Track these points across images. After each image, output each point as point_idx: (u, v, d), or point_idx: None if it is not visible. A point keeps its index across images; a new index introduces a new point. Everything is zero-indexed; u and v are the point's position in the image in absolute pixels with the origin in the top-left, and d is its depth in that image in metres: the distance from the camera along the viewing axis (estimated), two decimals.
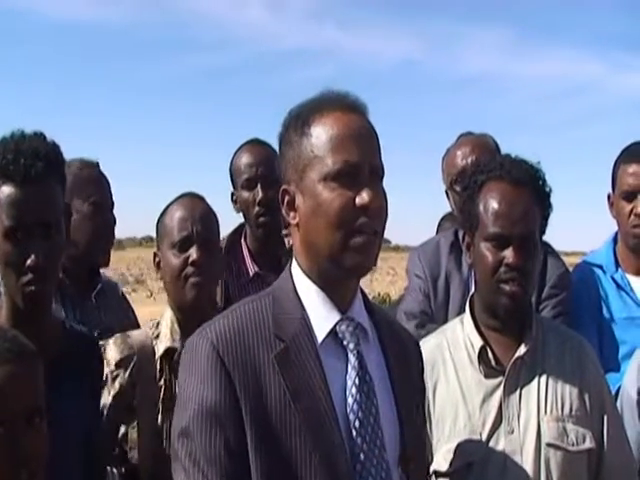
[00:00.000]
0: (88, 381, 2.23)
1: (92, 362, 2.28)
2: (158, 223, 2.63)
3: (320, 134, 1.69)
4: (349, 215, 1.65)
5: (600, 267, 3.28)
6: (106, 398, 2.46)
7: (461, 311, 2.99)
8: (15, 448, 1.61)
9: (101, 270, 3.30)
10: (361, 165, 1.67)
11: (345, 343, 1.72)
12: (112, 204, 3.22)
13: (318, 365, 1.66)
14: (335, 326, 1.72)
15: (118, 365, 2.48)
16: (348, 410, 1.67)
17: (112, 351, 2.50)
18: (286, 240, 3.40)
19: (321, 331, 1.70)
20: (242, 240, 3.43)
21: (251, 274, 3.35)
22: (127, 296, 3.54)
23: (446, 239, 3.35)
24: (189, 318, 2.45)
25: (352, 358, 1.71)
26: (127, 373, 2.48)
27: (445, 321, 2.99)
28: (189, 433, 1.62)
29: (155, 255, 2.63)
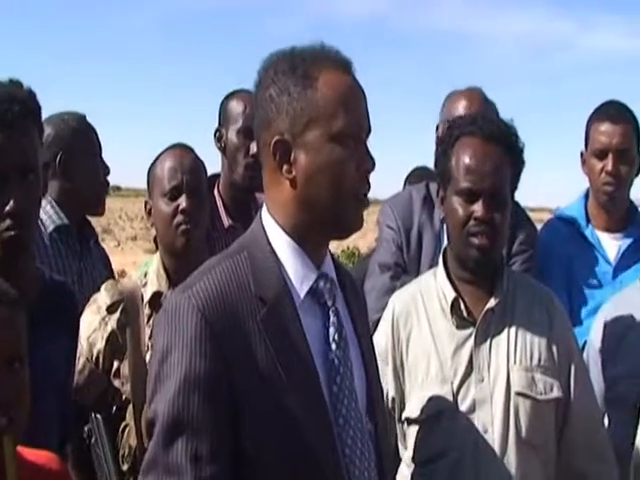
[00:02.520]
0: (65, 331, 2.23)
1: (69, 311, 2.28)
2: (149, 172, 2.73)
3: (328, 90, 1.66)
4: (356, 179, 1.67)
5: (571, 222, 3.34)
6: (100, 343, 2.58)
7: (433, 264, 3.02)
8: None
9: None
10: (363, 126, 1.71)
11: (324, 301, 1.73)
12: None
13: (298, 325, 1.66)
14: (314, 284, 1.71)
15: (109, 309, 2.59)
16: (329, 366, 1.69)
17: (103, 296, 2.62)
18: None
19: (301, 290, 1.69)
20: (215, 191, 3.39)
21: (226, 226, 3.33)
22: None
23: (418, 192, 3.35)
24: (178, 263, 2.60)
25: (331, 315, 1.72)
26: (117, 316, 2.59)
27: (417, 274, 3.02)
28: (175, 402, 1.56)
29: (146, 203, 2.74)
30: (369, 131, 1.74)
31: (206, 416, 1.56)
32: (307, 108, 1.65)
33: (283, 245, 1.71)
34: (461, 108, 3.26)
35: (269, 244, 1.71)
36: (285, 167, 1.68)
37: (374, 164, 1.70)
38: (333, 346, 1.70)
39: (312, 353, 1.66)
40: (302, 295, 1.69)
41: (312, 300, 1.72)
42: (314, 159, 1.65)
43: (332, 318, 1.72)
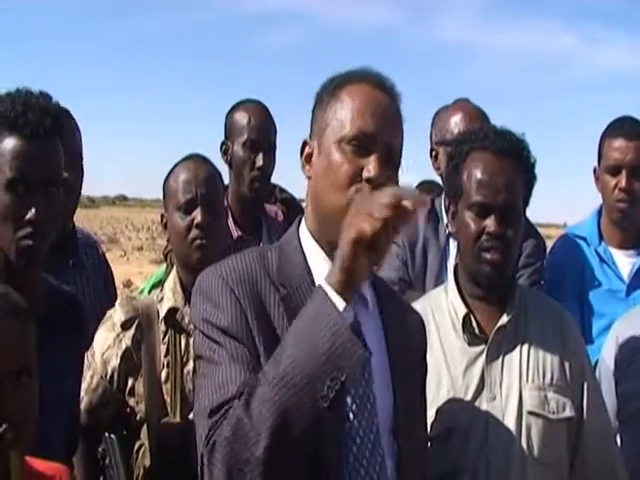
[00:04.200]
0: (73, 341, 2.21)
1: (77, 323, 2.26)
2: (164, 185, 2.68)
3: (346, 99, 1.76)
4: (354, 183, 1.69)
5: (584, 239, 3.32)
6: (115, 360, 2.52)
7: (439, 279, 3.00)
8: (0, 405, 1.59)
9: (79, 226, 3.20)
10: (376, 137, 1.72)
11: None
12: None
13: None
14: None
15: (123, 326, 2.53)
16: None
17: (118, 313, 2.56)
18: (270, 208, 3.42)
19: None
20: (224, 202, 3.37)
21: (234, 237, 3.32)
22: None
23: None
24: (195, 278, 2.51)
25: None
26: (132, 333, 2.53)
27: (423, 289, 3.00)
28: (212, 343, 1.67)
29: (162, 216, 2.69)
30: (393, 148, 1.76)
31: (238, 349, 1.64)
32: (326, 115, 1.79)
33: (311, 249, 1.80)
34: (459, 123, 3.26)
35: (300, 245, 1.80)
36: (306, 167, 1.83)
37: (378, 171, 1.69)
38: None
39: None
40: None
41: None
42: (323, 161, 1.77)
43: None
